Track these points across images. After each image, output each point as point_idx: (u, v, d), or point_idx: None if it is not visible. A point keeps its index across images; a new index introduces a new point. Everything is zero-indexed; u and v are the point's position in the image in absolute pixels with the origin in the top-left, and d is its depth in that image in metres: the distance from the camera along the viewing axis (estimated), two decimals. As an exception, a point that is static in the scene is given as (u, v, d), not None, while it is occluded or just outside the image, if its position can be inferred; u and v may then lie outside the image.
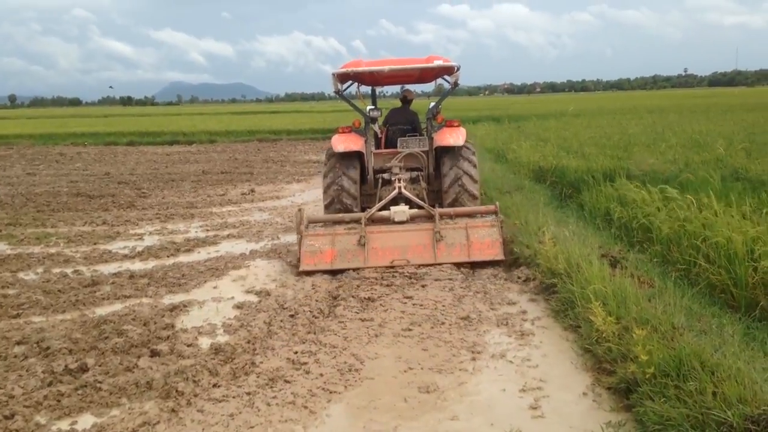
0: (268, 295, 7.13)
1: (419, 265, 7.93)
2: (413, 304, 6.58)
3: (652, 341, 4.34)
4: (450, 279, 7.42)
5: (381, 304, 6.62)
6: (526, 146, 16.77)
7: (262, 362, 5.20)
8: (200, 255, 9.18)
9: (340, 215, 8.77)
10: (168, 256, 9.11)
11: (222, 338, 5.81)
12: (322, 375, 4.93)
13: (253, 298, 7.06)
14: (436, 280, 7.41)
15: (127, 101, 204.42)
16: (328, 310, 6.53)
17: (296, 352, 5.37)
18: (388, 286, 7.27)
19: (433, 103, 10.04)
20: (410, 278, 7.50)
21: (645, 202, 8.41)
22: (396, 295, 6.89)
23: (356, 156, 9.27)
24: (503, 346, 5.45)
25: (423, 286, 7.19)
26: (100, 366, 5.16)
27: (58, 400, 4.62)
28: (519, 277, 7.35)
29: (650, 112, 31.88)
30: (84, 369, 5.11)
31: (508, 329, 5.84)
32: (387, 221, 8.54)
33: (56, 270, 8.43)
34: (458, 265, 7.96)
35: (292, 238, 9.99)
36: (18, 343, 5.74)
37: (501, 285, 7.23)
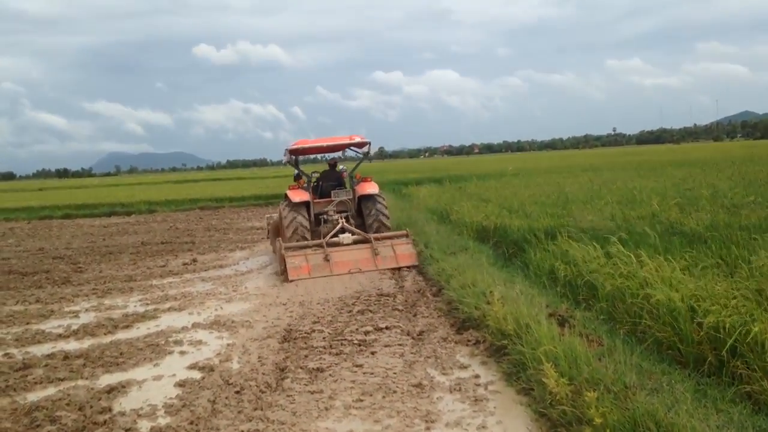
0: (212, 370, 6.84)
1: (365, 271, 11.71)
2: (363, 373, 6.42)
3: (605, 403, 4.30)
4: (400, 344, 7.32)
5: (330, 375, 6.44)
6: (469, 206, 16.92)
7: (206, 444, 4.94)
8: (139, 330, 8.81)
9: (306, 242, 12.49)
10: (105, 334, 8.69)
11: (163, 420, 5.52)
12: (270, 455, 4.71)
13: (196, 375, 6.76)
14: (385, 346, 7.30)
15: (63, 173, 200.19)
16: (276, 384, 6.29)
17: (242, 432, 5.13)
18: (337, 354, 7.10)
19: (348, 168, 14.63)
20: (359, 345, 7.36)
21: (587, 260, 8.53)
22: (345, 364, 6.72)
23: (305, 204, 13.26)
24: (458, 414, 5.33)
25: (372, 353, 7.05)
26: (30, 458, 4.82)
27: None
28: (469, 340, 7.28)
29: (584, 170, 32.79)
30: (12, 462, 4.77)
31: (461, 395, 5.73)
32: (339, 244, 12.31)
33: (-16, 354, 7.94)
34: (393, 271, 11.74)
35: (235, 309, 9.83)
36: (-61, 438, 5.33)
37: (451, 348, 7.13)
